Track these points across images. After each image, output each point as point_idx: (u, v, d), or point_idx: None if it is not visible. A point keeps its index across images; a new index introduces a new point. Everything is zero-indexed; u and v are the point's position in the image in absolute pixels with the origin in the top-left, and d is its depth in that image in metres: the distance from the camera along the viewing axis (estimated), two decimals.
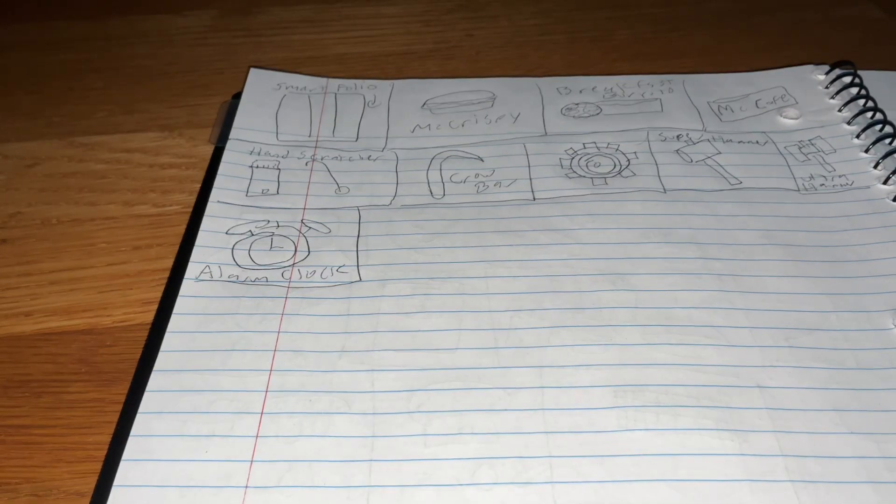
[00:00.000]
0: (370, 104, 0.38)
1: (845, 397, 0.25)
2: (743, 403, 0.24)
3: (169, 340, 0.26)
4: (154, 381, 0.25)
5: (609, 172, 0.33)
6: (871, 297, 0.28)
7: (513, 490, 0.22)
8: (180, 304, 0.28)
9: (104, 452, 0.24)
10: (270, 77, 0.39)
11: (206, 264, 0.29)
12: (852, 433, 0.24)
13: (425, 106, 0.38)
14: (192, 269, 0.29)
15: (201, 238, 0.30)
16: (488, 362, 0.26)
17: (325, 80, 0.39)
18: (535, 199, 0.32)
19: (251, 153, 0.34)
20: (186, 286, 0.28)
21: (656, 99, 0.38)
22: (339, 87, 0.39)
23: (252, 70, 0.39)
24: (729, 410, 0.24)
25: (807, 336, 0.26)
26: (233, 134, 0.35)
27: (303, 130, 0.36)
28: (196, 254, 0.29)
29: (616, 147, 0.35)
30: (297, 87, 0.39)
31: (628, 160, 0.34)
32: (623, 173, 0.33)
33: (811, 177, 0.33)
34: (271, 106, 0.37)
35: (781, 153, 0.34)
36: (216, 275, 0.29)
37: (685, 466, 0.23)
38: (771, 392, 0.25)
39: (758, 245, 0.30)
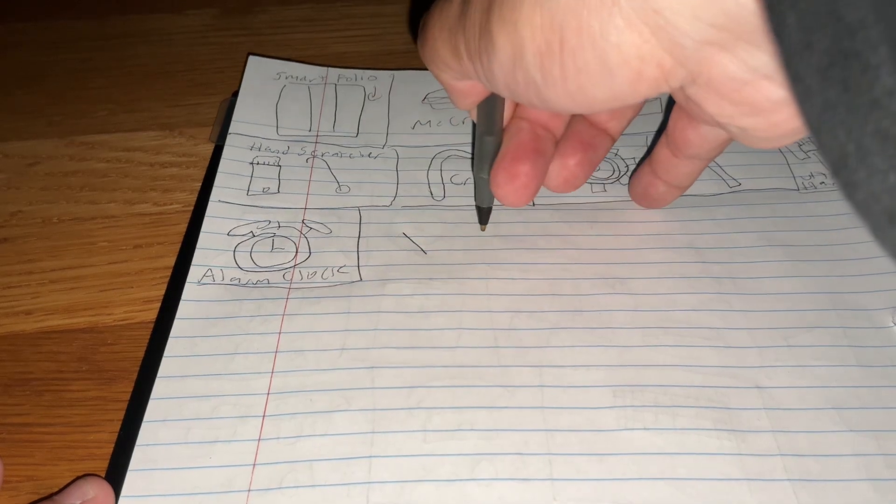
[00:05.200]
0: (370, 97, 0.38)
1: (844, 395, 0.25)
2: (741, 404, 0.25)
3: (172, 346, 0.26)
4: (158, 387, 0.25)
5: (608, 178, 0.33)
6: (871, 295, 0.28)
7: (512, 486, 0.23)
8: (183, 309, 0.28)
9: (105, 450, 0.24)
10: (269, 65, 0.39)
11: (208, 267, 0.29)
12: (851, 431, 0.24)
13: (426, 100, 0.38)
14: (194, 273, 0.29)
15: (203, 240, 0.30)
16: (488, 360, 0.26)
17: (325, 69, 0.39)
18: (534, 205, 0.32)
19: (251, 148, 0.34)
20: (189, 290, 0.28)
21: (656, 100, 0.38)
22: (339, 77, 0.39)
23: (251, 58, 0.39)
24: (727, 411, 0.24)
25: (806, 335, 0.26)
26: (233, 128, 0.35)
27: (303, 124, 0.36)
28: (198, 257, 0.29)
29: (615, 152, 0.34)
30: (297, 77, 0.38)
31: (627, 166, 0.34)
32: (622, 180, 0.33)
33: (811, 175, 0.33)
34: (271, 98, 0.37)
35: (781, 151, 0.34)
36: (218, 278, 0.29)
37: (683, 465, 0.23)
38: (769, 392, 0.25)
39: (756, 247, 0.30)
